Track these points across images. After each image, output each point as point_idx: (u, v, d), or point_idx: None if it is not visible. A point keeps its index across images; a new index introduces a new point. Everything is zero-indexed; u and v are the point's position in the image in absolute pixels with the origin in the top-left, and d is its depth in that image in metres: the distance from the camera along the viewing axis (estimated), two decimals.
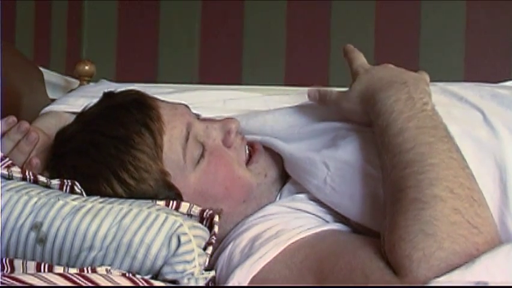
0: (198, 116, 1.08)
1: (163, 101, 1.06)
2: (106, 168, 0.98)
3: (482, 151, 0.95)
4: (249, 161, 1.08)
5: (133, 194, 0.97)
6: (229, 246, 0.98)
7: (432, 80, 1.06)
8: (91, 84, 1.67)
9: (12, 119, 1.08)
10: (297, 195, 1.06)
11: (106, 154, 0.98)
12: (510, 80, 1.32)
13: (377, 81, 1.00)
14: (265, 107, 1.21)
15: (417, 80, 0.99)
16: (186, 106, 1.07)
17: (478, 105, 1.02)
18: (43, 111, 1.24)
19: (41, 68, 1.56)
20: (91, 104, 1.07)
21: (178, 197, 0.99)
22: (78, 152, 1.00)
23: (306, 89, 1.12)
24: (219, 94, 1.29)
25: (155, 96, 1.07)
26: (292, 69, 2.43)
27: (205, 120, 1.08)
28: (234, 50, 2.47)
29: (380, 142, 0.94)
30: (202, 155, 1.03)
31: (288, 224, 0.98)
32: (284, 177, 1.10)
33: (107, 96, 1.07)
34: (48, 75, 1.73)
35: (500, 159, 0.94)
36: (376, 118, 0.96)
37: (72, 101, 1.26)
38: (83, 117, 1.06)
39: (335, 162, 1.01)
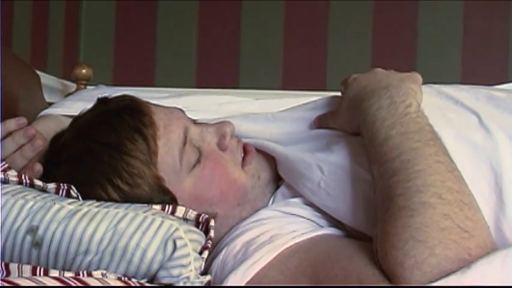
0: (193, 121, 1.08)
1: (158, 105, 1.06)
2: (100, 175, 0.98)
3: (477, 155, 0.95)
4: (242, 163, 1.07)
5: (127, 199, 0.97)
6: (223, 252, 0.98)
7: (429, 83, 1.06)
8: (89, 88, 1.67)
9: (23, 120, 1.07)
10: (291, 199, 1.05)
11: (99, 161, 0.98)
12: (506, 82, 1.32)
13: (361, 91, 1.01)
14: (260, 110, 1.20)
15: (401, 80, 0.99)
16: (181, 110, 1.08)
17: (474, 108, 1.02)
18: (40, 114, 1.24)
19: (38, 72, 1.56)
20: (86, 110, 1.07)
21: (173, 201, 0.99)
22: (72, 160, 1.01)
23: (302, 93, 1.12)
24: (215, 98, 1.29)
25: (151, 100, 1.07)
26: (290, 72, 2.43)
27: (200, 124, 1.08)
28: (231, 54, 2.47)
29: (368, 152, 0.94)
30: (198, 160, 1.03)
31: (282, 228, 0.98)
32: (277, 180, 1.10)
33: (101, 102, 1.07)
34: (46, 78, 1.73)
35: (495, 163, 0.93)
36: (362, 129, 0.96)
37: (69, 104, 1.25)
38: (77, 124, 1.06)
39: (329, 166, 1.00)
